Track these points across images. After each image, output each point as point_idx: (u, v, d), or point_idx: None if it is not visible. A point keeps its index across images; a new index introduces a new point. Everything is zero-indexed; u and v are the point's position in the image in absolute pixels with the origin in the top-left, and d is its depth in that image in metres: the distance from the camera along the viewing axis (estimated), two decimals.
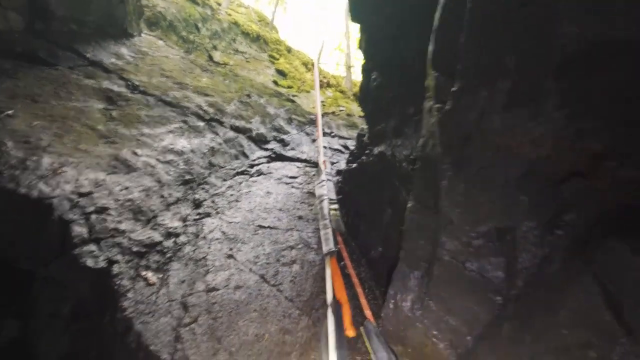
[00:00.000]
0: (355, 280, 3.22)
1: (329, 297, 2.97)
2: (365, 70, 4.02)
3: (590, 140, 1.25)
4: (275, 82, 9.11)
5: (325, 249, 3.24)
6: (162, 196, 3.45)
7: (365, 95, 4.03)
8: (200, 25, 9.13)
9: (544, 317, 1.39)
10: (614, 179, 1.22)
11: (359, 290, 3.17)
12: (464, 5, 1.65)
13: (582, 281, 1.24)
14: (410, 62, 3.02)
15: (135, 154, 3.69)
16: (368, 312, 2.94)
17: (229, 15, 10.35)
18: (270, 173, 4.95)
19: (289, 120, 6.62)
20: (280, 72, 9.89)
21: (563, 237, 1.39)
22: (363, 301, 3.03)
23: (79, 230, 2.64)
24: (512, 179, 1.52)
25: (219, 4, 10.54)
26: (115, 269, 2.57)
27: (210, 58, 8.75)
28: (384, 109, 3.62)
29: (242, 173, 4.66)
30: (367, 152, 3.74)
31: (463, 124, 1.61)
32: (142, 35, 6.93)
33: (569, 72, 1.30)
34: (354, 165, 4.01)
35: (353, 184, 4.07)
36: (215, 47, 9.19)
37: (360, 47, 4.23)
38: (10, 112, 3.33)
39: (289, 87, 9.20)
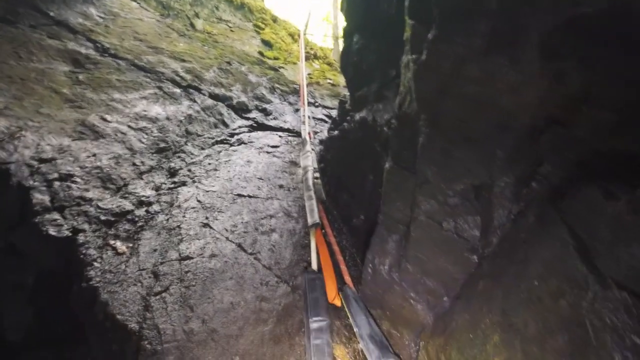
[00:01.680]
0: (336, 248, 3.18)
1: (314, 268, 2.94)
2: (347, 33, 3.81)
3: (570, 81, 1.16)
4: (260, 53, 8.74)
5: (310, 220, 3.17)
6: (134, 164, 3.29)
7: (346, 60, 3.85)
8: None
9: (516, 271, 1.35)
10: (592, 124, 1.14)
11: (340, 257, 3.13)
12: None
13: (555, 232, 1.19)
14: (391, 19, 2.85)
15: (104, 119, 3.48)
16: (347, 278, 2.92)
17: None
18: (251, 142, 4.79)
19: (272, 89, 6.38)
20: (266, 43, 9.47)
21: (538, 191, 1.33)
22: (343, 268, 3.01)
23: (40, 197, 2.49)
24: (490, 132, 1.43)
25: None
26: (81, 238, 2.45)
27: (192, 26, 8.30)
28: (366, 73, 3.46)
29: (221, 142, 4.49)
30: (348, 118, 3.61)
31: (439, 74, 1.50)
32: None
33: (552, 12, 1.19)
34: (336, 132, 3.89)
35: (335, 152, 3.96)
36: (197, 15, 8.67)
37: (342, 9, 3.99)
38: None
39: (275, 58, 8.84)
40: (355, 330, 2.34)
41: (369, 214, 3.09)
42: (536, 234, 1.29)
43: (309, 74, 8.11)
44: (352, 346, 2.51)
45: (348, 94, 4.50)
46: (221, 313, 2.23)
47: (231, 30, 9.42)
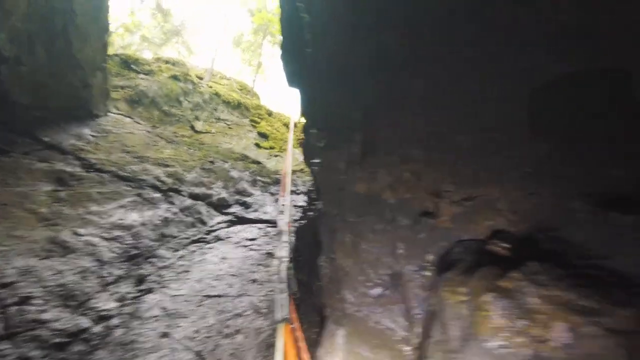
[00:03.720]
0: (302, 344, 3.02)
1: None
2: (306, 128, 4.18)
3: (426, 179, 1.28)
4: (257, 145, 9.44)
5: (278, 316, 3.08)
6: (100, 276, 3.33)
7: (308, 153, 4.15)
8: (182, 98, 9.64)
9: None
10: (452, 217, 1.22)
11: (305, 356, 2.96)
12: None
13: None
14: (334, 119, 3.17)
15: (76, 234, 3.63)
16: None
17: (210, 87, 10.97)
18: (229, 237, 4.88)
19: (254, 182, 6.70)
20: (262, 135, 10.29)
21: (432, 277, 1.35)
22: None
23: None
24: (385, 225, 1.51)
25: (201, 78, 11.27)
26: None
27: (193, 128, 9.13)
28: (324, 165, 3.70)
29: (197, 241, 4.58)
30: (312, 206, 3.75)
31: (334, 176, 1.65)
32: (110, 114, 7.25)
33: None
34: (304, 221, 3.98)
35: (304, 240, 4.00)
36: (197, 118, 9.63)
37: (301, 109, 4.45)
38: None
39: (271, 147, 9.53)
40: None
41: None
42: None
43: (297, 164, 8.51)
44: None
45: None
46: None
47: (229, 128, 10.30)
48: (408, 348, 1.65)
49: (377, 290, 1.66)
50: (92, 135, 6.04)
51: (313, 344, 2.63)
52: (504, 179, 1.31)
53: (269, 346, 3.03)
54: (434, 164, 1.25)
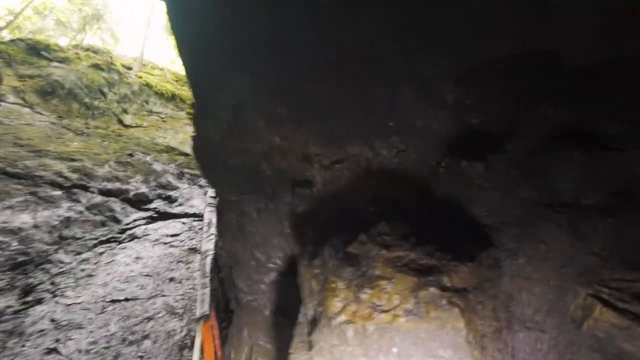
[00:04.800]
0: (217, 342, 2.81)
1: None
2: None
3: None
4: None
5: (198, 312, 2.81)
6: None
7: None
8: (106, 90, 8.58)
9: None
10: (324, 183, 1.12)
11: (220, 353, 2.76)
12: None
13: None
14: None
15: None
16: None
17: (140, 77, 9.95)
18: (146, 235, 4.44)
19: (180, 175, 6.22)
20: None
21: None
22: None
23: None
24: (267, 202, 1.36)
25: (130, 68, 10.18)
26: None
27: (121, 122, 8.17)
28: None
29: (107, 241, 4.08)
30: None
31: (212, 151, 1.46)
32: (3, 103, 6.25)
33: None
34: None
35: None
36: (125, 111, 8.65)
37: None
38: None
39: None
40: None
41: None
42: None
43: None
44: None
45: None
46: None
47: (163, 121, 9.43)
48: (306, 334, 1.52)
49: (270, 276, 1.51)
50: None
51: (223, 341, 2.44)
52: (373, 137, 1.22)
53: (182, 348, 2.77)
54: (301, 125, 1.12)
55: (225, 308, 2.75)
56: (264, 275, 1.54)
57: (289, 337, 1.61)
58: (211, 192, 5.54)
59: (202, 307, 2.90)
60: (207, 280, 3.22)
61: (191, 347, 2.82)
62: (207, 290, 3.09)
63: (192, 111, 8.06)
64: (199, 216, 5.17)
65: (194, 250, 4.24)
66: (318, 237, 1.18)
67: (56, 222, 3.88)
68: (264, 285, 1.55)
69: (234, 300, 2.05)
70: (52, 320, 2.75)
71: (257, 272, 1.56)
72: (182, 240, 4.43)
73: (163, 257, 3.99)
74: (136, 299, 3.19)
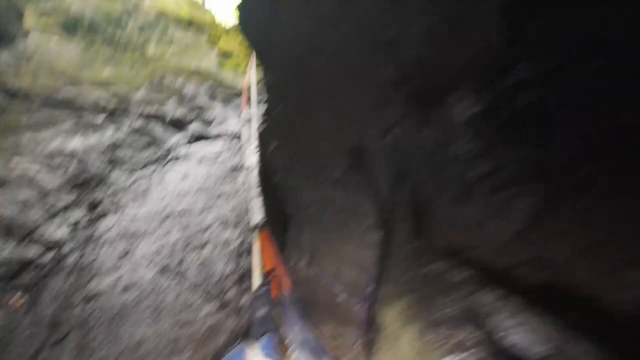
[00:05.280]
0: (274, 248, 2.95)
1: (256, 276, 2.69)
2: None
3: None
4: (220, 64, 8.42)
5: (253, 221, 2.93)
6: (45, 205, 3.03)
7: None
8: (124, 21, 8.23)
9: None
10: None
11: (280, 258, 2.90)
12: None
13: None
14: None
15: (8, 166, 3.22)
16: (285, 281, 2.69)
17: (154, 5, 9.32)
18: (190, 154, 4.54)
19: (212, 97, 6.10)
20: (224, 54, 9.14)
21: None
22: (282, 270, 2.77)
23: None
24: None
25: None
26: None
27: (144, 50, 7.97)
28: None
29: (155, 161, 4.22)
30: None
31: None
32: (31, 35, 6.16)
33: None
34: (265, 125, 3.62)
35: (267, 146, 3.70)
36: (147, 41, 8.35)
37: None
38: None
39: (237, 65, 8.55)
40: (288, 339, 2.11)
41: None
42: None
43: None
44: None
45: None
46: (127, 353, 1.99)
47: (186, 49, 9.10)
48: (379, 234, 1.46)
49: (337, 172, 1.40)
50: (11, 60, 5.15)
51: (282, 246, 2.52)
52: None
53: (240, 254, 2.94)
54: None
55: (279, 215, 2.82)
56: (328, 174, 1.44)
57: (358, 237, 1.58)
58: (245, 112, 5.44)
59: (257, 215, 3.00)
60: (258, 190, 3.28)
61: (248, 254, 2.95)
62: (259, 200, 3.17)
63: (213, 38, 7.47)
64: (237, 135, 5.16)
65: (236, 169, 4.30)
66: None
67: (106, 145, 4.02)
68: (329, 182, 1.47)
69: (291, 205, 2.03)
70: (121, 230, 2.98)
71: (321, 170, 1.47)
72: (224, 160, 4.49)
73: (209, 175, 4.10)
74: (192, 212, 3.36)
